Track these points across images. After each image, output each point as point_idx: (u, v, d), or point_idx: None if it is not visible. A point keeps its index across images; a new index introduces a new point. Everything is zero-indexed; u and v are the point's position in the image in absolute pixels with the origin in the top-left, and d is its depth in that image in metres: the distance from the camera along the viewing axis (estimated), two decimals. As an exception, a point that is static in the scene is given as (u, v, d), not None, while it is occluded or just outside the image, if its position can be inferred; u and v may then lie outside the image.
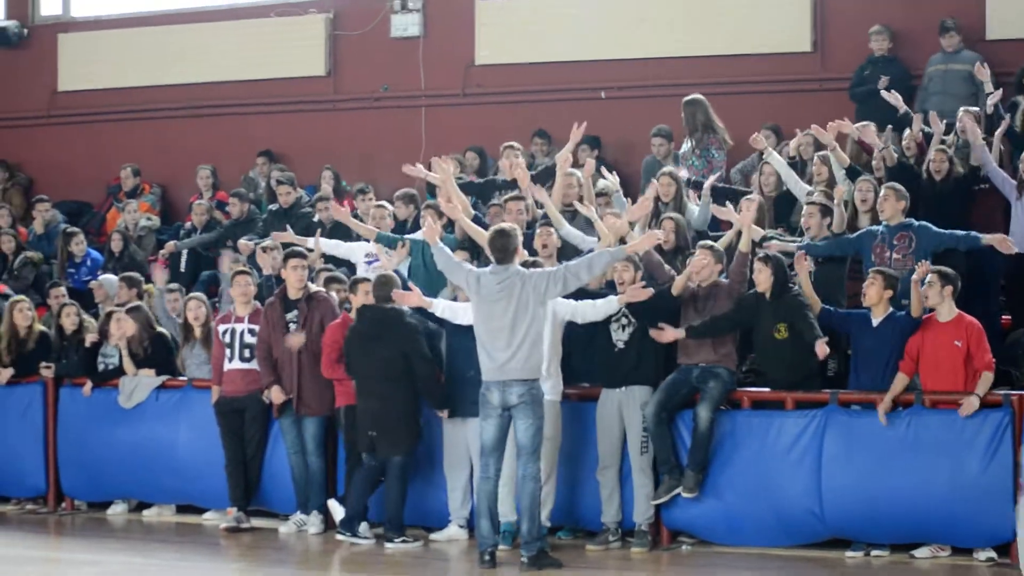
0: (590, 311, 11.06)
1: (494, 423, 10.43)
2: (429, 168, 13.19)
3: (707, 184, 12.64)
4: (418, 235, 12.31)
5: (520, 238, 10.59)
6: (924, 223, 11.76)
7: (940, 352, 10.74)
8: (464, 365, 11.03)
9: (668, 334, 11.05)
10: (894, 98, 13.46)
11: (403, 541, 11.28)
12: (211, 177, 16.76)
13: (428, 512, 11.84)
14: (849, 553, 10.84)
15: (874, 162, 12.84)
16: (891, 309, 11.04)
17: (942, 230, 11.71)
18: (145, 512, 13.09)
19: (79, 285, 15.38)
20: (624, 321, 11.20)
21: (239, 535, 12.03)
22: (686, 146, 13.75)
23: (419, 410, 11.36)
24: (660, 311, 11.14)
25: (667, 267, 11.55)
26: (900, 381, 10.79)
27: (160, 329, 13.28)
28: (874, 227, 11.93)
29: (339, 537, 11.35)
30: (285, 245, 13.06)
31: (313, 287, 12.12)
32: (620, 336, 11.20)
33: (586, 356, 11.40)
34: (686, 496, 10.96)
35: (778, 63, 15.73)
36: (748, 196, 12.53)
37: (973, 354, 10.70)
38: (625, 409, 11.13)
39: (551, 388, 11.03)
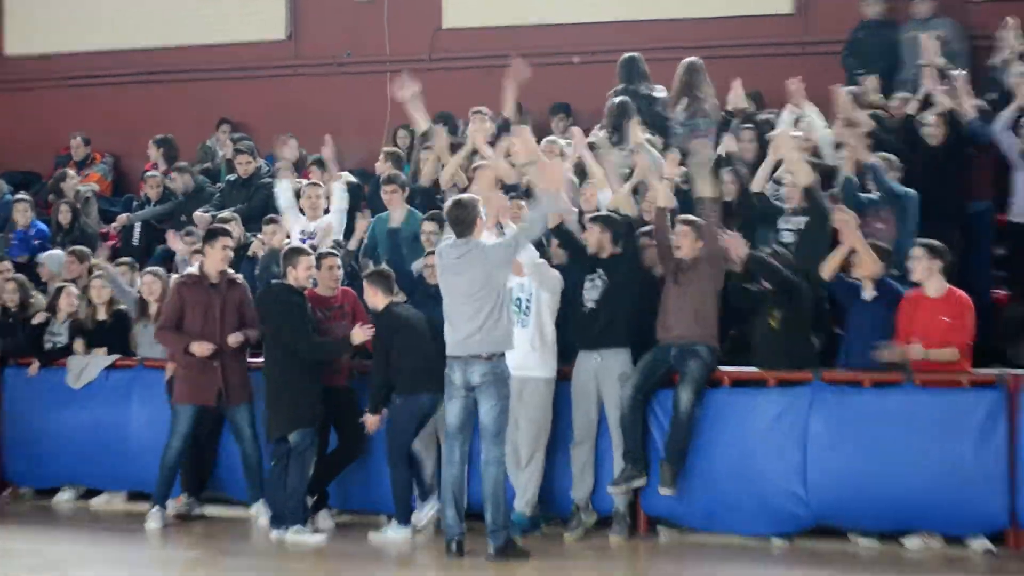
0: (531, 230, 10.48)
1: (458, 404, 10.18)
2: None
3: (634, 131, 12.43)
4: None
5: (481, 209, 10.31)
6: (906, 191, 11.67)
7: (930, 329, 10.49)
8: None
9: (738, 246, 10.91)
10: (930, 42, 13.14)
11: (298, 531, 10.86)
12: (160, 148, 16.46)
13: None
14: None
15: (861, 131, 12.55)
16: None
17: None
18: (94, 499, 12.78)
19: (18, 253, 15.07)
20: (599, 282, 10.95)
21: (190, 523, 11.73)
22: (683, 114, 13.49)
23: (306, 387, 10.93)
24: (631, 274, 10.98)
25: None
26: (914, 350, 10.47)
27: (121, 306, 12.95)
28: (871, 195, 11.75)
29: (273, 534, 11.02)
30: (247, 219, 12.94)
31: (231, 272, 11.68)
32: (591, 295, 10.96)
33: (559, 322, 11.09)
34: (664, 493, 10.65)
35: (758, 26, 15.54)
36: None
37: (955, 331, 10.49)
38: (602, 381, 10.89)
39: (539, 363, 10.85)
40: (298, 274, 11.09)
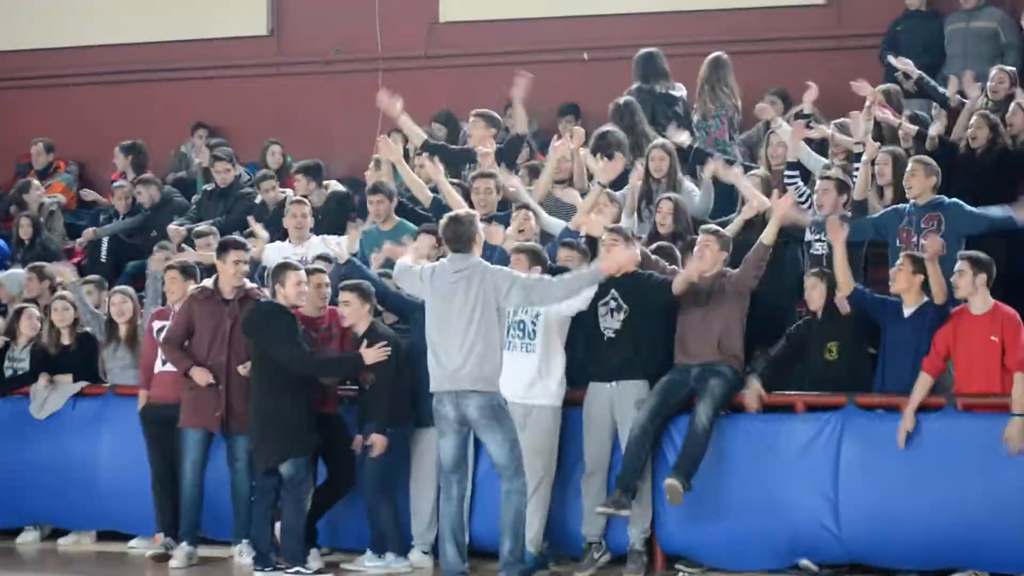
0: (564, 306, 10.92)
1: (452, 441, 10.30)
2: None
3: (707, 171, 12.49)
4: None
5: (479, 225, 10.44)
6: (956, 201, 11.59)
7: (974, 349, 10.59)
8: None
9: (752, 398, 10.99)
10: (902, 63, 13.35)
11: (297, 572, 11.00)
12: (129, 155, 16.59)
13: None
14: None
15: (900, 132, 12.70)
16: (925, 298, 10.89)
17: (976, 209, 11.53)
18: (61, 540, 12.90)
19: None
20: (613, 304, 11.07)
21: (167, 565, 11.75)
22: (696, 116, 13.73)
23: (298, 414, 11.12)
24: (653, 303, 11.04)
25: (655, 258, 11.30)
26: (923, 384, 10.61)
27: (86, 328, 13.10)
28: (900, 205, 11.77)
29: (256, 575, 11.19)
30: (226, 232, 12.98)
31: (249, 285, 11.88)
32: (610, 323, 11.07)
33: (570, 349, 11.22)
34: (669, 486, 10.67)
35: (787, 18, 15.73)
36: (754, 172, 12.50)
37: (1007, 350, 10.54)
38: (617, 407, 11.01)
39: (545, 391, 11.01)
40: (287, 292, 11.21)
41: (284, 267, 11.37)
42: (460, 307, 10.17)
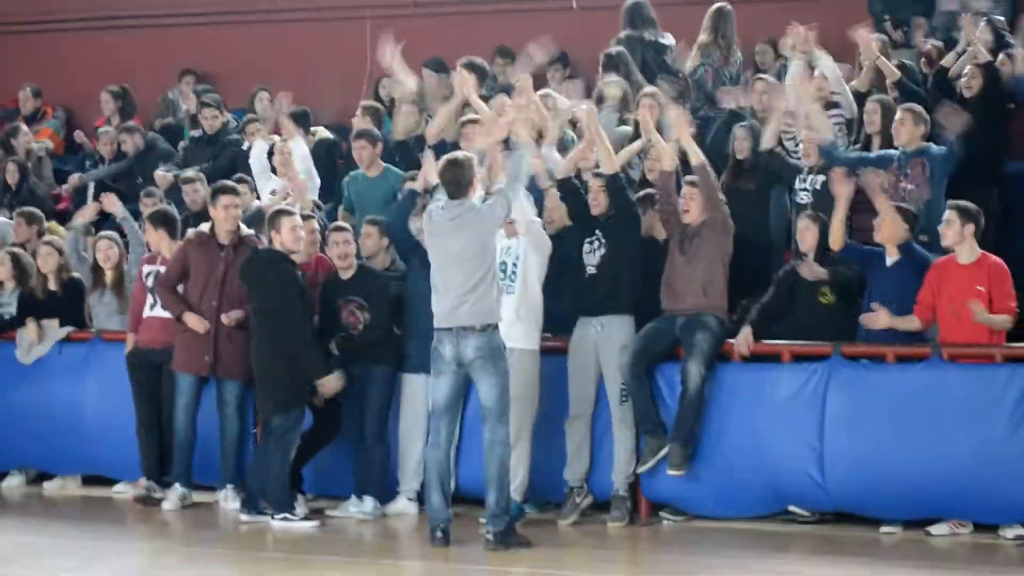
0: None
1: (447, 381, 10.33)
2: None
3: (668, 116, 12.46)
4: None
5: (476, 169, 10.45)
6: (939, 148, 11.66)
7: (961, 298, 10.58)
8: (426, 314, 10.80)
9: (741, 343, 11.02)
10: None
11: (284, 518, 11.04)
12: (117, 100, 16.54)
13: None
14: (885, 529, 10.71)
15: (888, 81, 12.72)
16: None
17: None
18: (46, 484, 12.94)
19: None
20: (596, 243, 11.14)
21: (152, 509, 11.82)
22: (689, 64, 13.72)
23: (296, 366, 11.10)
24: (630, 242, 11.12)
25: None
26: (909, 320, 10.68)
27: (73, 274, 13.09)
28: (890, 151, 11.81)
29: (243, 517, 11.26)
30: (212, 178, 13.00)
31: (245, 231, 11.88)
32: (591, 260, 11.14)
33: (555, 291, 11.26)
34: (673, 474, 10.78)
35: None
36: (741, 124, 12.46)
37: (994, 298, 10.58)
38: (602, 350, 11.05)
39: (524, 334, 11.01)
40: (283, 238, 11.18)
41: (279, 213, 11.36)
42: (459, 253, 10.26)
